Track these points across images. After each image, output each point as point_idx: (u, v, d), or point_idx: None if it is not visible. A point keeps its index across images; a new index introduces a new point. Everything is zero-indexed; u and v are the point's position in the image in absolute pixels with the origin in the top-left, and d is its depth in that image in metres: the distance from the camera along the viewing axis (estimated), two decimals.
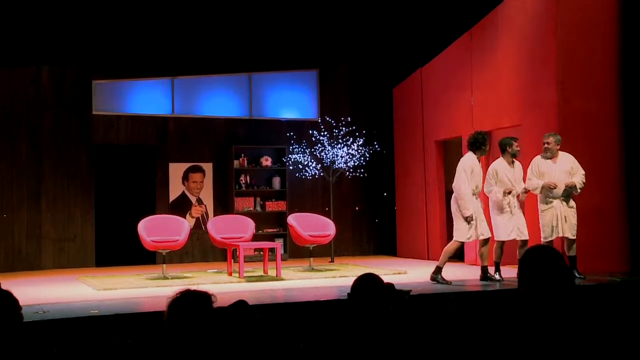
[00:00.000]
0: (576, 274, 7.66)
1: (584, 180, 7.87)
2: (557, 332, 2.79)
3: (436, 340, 3.04)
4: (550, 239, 7.87)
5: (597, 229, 8.50)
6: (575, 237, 7.85)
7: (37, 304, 6.51)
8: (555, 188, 7.83)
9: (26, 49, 10.88)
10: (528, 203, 8.40)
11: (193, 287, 2.95)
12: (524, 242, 7.95)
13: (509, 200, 7.98)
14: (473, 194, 7.91)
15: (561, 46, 8.67)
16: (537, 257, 2.95)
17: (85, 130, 11.23)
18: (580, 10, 8.81)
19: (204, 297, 2.85)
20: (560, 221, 7.83)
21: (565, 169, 7.91)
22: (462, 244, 8.07)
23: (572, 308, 2.91)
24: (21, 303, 3.27)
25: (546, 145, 7.93)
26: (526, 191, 8.01)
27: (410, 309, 2.99)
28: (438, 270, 7.90)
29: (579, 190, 7.87)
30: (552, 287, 2.87)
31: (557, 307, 2.86)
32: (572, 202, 7.93)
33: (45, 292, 7.95)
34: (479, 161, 8.02)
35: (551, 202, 7.88)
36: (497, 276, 7.91)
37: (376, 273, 3.32)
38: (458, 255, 8.89)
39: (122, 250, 11.15)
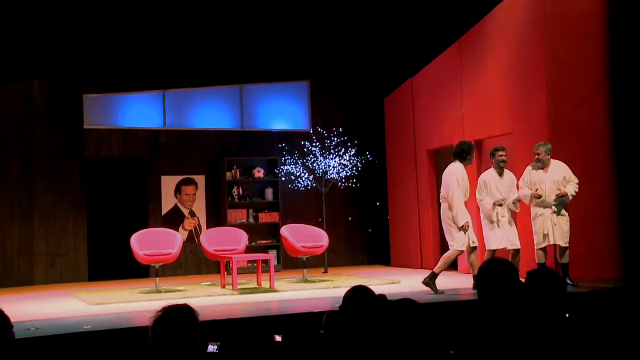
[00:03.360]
0: (568, 281, 7.68)
1: (577, 190, 7.89)
2: (518, 340, 2.89)
3: (426, 348, 3.05)
4: (542, 245, 7.90)
5: (590, 235, 8.52)
6: (567, 245, 7.86)
7: (29, 320, 6.47)
8: (539, 198, 7.86)
9: (17, 63, 10.86)
10: (520, 211, 8.42)
11: (172, 302, 2.89)
12: (516, 251, 7.97)
13: (497, 211, 8.01)
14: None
15: (550, 55, 8.72)
16: (491, 271, 3.09)
17: (77, 144, 11.21)
18: (568, 18, 8.86)
19: (186, 311, 2.80)
20: (551, 229, 7.85)
21: (555, 179, 7.91)
22: (462, 252, 8.04)
23: (558, 316, 2.97)
24: (13, 319, 3.24)
25: (537, 156, 7.96)
26: (518, 201, 8.03)
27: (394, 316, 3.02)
28: (433, 276, 7.86)
29: (570, 198, 7.88)
30: (505, 299, 3.01)
31: (510, 318, 2.97)
32: (563, 211, 7.94)
33: (37, 307, 7.89)
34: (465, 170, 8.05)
35: (542, 211, 7.91)
36: None
37: (370, 283, 3.33)
38: (452, 264, 8.88)
39: (115, 264, 11.11)
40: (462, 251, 7.95)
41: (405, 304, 3.12)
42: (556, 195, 7.83)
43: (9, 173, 10.85)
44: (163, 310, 2.77)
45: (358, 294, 3.17)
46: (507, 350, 2.88)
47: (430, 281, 7.81)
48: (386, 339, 3.04)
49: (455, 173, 7.90)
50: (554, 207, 7.87)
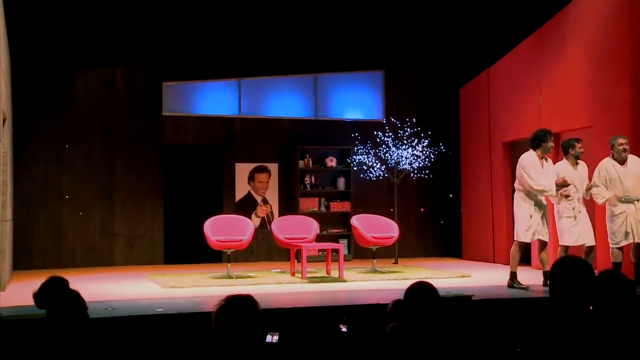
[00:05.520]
0: None
1: None
2: (587, 340, 2.82)
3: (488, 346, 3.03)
4: (621, 244, 7.62)
5: None
6: None
7: (107, 300, 6.75)
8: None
9: (101, 51, 11.25)
10: (598, 208, 8.16)
11: (236, 292, 2.93)
12: (590, 248, 7.75)
13: (574, 205, 7.78)
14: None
15: (635, 45, 8.39)
16: (565, 269, 3.00)
17: (156, 130, 11.55)
18: None
19: (248, 302, 2.84)
20: (634, 226, 7.56)
21: (637, 172, 7.63)
22: (524, 244, 7.85)
23: (630, 319, 2.88)
24: (92, 299, 3.39)
25: (624, 146, 7.62)
26: (589, 188, 7.81)
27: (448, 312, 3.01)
28: (513, 276, 7.72)
29: None
30: (579, 298, 2.92)
31: (582, 317, 2.90)
32: None
33: (115, 288, 8.23)
34: (545, 159, 7.80)
35: (624, 207, 7.61)
36: None
37: (440, 276, 3.34)
38: (525, 259, 8.70)
39: (189, 249, 11.41)
40: (522, 242, 7.73)
41: (459, 301, 3.10)
42: None
43: (92, 157, 11.29)
44: (226, 300, 2.83)
45: (420, 289, 3.18)
46: (575, 350, 2.82)
47: (512, 282, 7.69)
48: (442, 333, 3.03)
49: (522, 160, 7.74)
50: (636, 202, 7.58)
